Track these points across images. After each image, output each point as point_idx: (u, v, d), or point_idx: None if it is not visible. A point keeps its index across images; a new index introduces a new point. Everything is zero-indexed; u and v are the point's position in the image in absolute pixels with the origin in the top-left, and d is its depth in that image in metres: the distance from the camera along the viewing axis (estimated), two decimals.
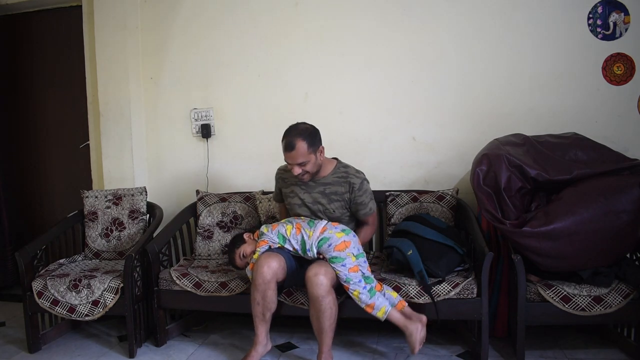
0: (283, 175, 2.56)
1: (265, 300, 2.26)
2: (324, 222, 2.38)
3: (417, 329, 2.20)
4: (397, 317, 2.22)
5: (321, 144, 2.39)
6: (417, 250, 2.34)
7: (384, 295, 2.24)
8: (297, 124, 2.39)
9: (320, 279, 2.17)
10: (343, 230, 2.34)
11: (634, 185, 2.21)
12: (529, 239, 2.21)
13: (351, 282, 2.21)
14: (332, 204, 2.43)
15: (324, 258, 2.30)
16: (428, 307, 2.26)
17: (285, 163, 2.39)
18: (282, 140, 2.33)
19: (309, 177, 2.40)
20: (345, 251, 2.24)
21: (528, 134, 2.59)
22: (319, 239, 2.31)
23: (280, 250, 2.37)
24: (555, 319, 2.23)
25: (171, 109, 3.30)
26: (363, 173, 2.48)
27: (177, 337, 2.74)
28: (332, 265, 2.24)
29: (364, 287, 2.21)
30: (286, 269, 2.32)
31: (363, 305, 2.21)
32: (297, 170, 2.34)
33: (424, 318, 2.24)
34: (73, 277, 2.54)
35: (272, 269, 2.24)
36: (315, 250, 2.32)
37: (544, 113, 2.80)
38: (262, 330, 2.33)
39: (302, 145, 2.28)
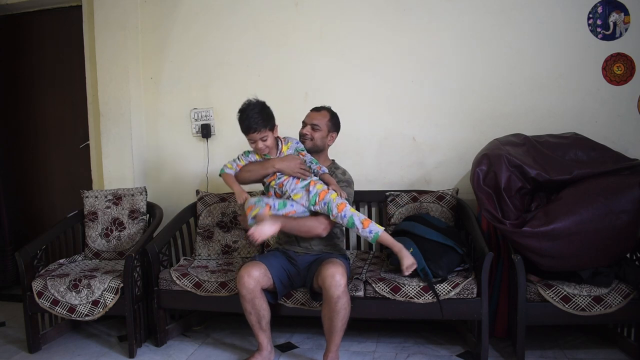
0: None
1: (256, 308, 2.25)
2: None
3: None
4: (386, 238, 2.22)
5: (333, 137, 2.56)
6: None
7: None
8: None
9: (337, 279, 2.12)
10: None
11: (634, 185, 2.21)
12: (529, 239, 2.21)
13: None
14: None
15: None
16: (429, 307, 2.26)
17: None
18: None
19: (310, 145, 2.47)
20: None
21: (528, 134, 2.59)
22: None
23: (271, 258, 2.35)
24: (555, 319, 2.23)
25: (171, 109, 3.30)
26: (349, 179, 2.48)
27: (177, 337, 2.74)
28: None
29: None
30: (272, 278, 2.28)
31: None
32: (307, 130, 2.48)
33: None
34: (73, 277, 2.54)
35: (253, 278, 2.22)
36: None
37: (544, 113, 2.80)
38: (263, 338, 2.32)
39: (326, 115, 2.51)
